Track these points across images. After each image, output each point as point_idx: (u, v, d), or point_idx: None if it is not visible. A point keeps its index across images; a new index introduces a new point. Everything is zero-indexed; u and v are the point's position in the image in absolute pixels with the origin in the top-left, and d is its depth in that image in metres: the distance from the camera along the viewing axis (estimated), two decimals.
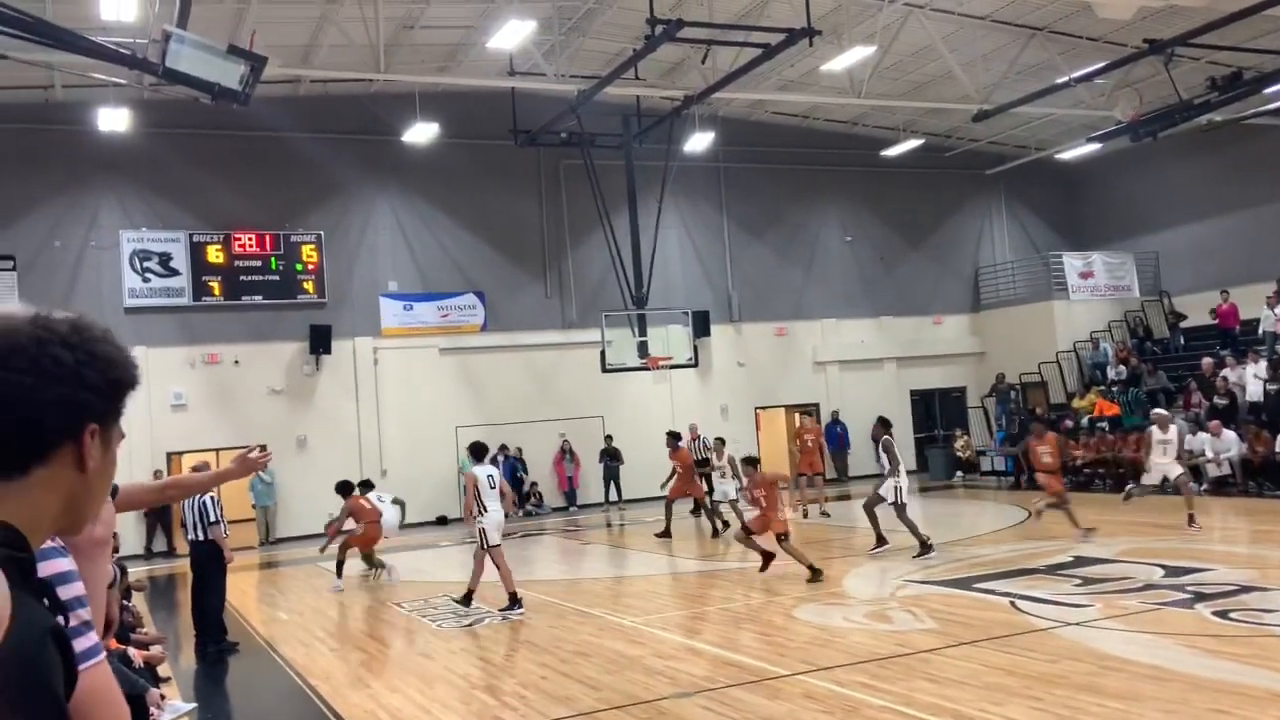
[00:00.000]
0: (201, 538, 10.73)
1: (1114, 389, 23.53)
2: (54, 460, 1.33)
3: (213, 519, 10.63)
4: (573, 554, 16.95)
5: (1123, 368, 24.05)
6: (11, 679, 1.13)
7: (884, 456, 13.75)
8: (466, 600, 11.72)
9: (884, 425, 14.29)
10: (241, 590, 15.08)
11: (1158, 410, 15.59)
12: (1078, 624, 8.84)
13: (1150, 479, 14.52)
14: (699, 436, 21.22)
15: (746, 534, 12.49)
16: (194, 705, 8.15)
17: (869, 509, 13.77)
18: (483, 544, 11.26)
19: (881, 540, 13.53)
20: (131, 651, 7.53)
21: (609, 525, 20.99)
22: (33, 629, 1.19)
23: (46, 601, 1.26)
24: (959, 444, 25.54)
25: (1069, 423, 22.80)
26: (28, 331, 1.33)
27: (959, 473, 24.92)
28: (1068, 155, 26.81)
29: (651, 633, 9.97)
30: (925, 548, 13.05)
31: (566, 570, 15.48)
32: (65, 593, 1.36)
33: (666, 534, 16.91)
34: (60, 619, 1.27)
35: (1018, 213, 29.96)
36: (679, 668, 8.42)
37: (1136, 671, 7.24)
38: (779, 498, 12.46)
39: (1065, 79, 20.27)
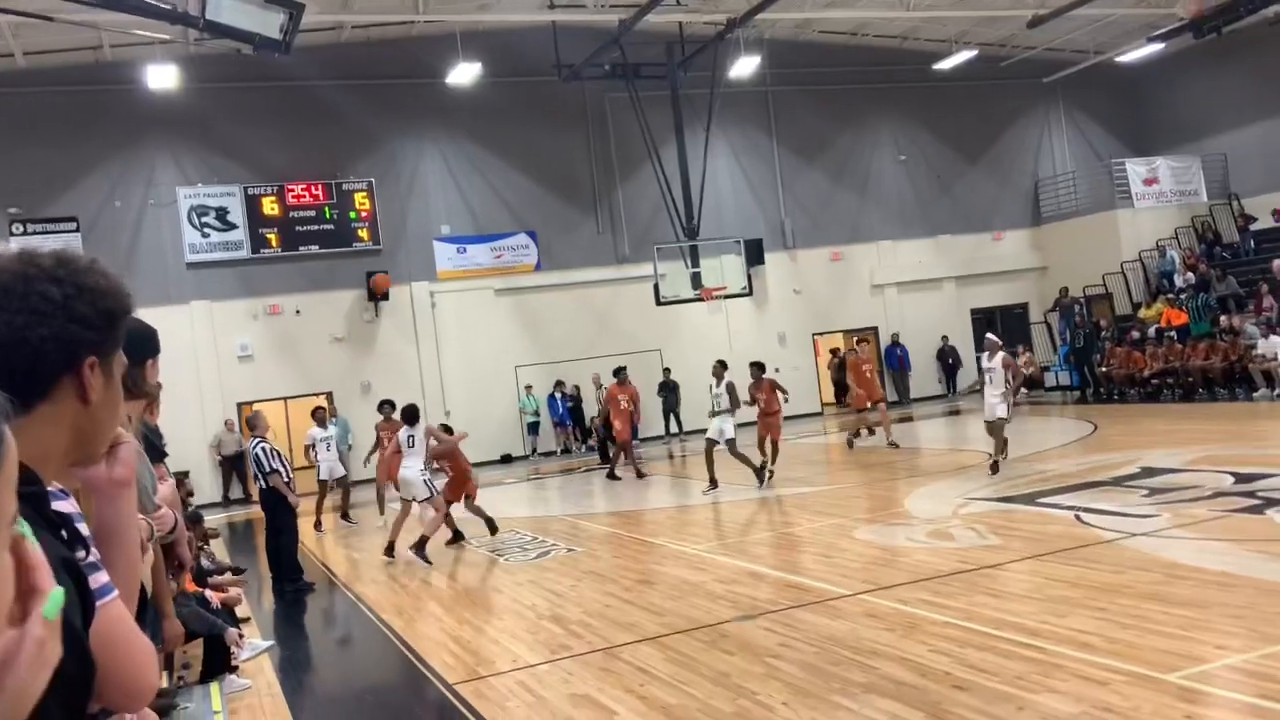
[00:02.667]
0: (264, 485, 11.07)
1: (1182, 297, 22.95)
2: (55, 395, 1.33)
3: (268, 468, 10.91)
4: (635, 486, 17.12)
5: (1191, 275, 23.42)
6: None
7: (725, 397, 14.57)
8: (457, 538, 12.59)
9: (723, 366, 15.05)
10: (314, 531, 15.49)
11: (989, 335, 14.00)
12: (1144, 534, 8.74)
13: (986, 414, 13.23)
14: (601, 385, 21.33)
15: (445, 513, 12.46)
16: (271, 643, 8.46)
17: (708, 453, 14.74)
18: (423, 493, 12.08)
19: (714, 483, 14.51)
20: (209, 594, 7.81)
21: (670, 457, 21.13)
22: None
23: (65, 535, 1.28)
24: (1022, 360, 25.14)
25: (1135, 334, 22.33)
26: (14, 270, 1.33)
27: (1023, 389, 24.56)
28: (1128, 58, 25.89)
29: (714, 559, 10.07)
30: (761, 473, 14.32)
31: (629, 502, 15.64)
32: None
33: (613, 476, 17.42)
34: (82, 553, 1.29)
35: (1078, 121, 29.08)
36: (741, 592, 8.51)
37: (1204, 579, 7.15)
38: (465, 461, 12.95)
39: None
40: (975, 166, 27.96)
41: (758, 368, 15.28)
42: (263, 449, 10.96)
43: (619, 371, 18.03)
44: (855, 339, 20.37)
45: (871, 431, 18.19)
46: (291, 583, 10.92)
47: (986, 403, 13.19)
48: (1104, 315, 24.46)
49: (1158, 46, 23.56)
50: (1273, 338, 18.77)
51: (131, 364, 1.49)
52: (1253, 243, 24.44)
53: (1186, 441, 14.17)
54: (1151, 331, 22.19)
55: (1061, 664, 5.65)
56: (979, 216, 27.75)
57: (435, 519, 11.92)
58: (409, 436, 12.21)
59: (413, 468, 12.09)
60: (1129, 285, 25.36)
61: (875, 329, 26.26)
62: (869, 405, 18.00)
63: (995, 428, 13.03)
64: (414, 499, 12.22)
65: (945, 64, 25.43)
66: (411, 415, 12.33)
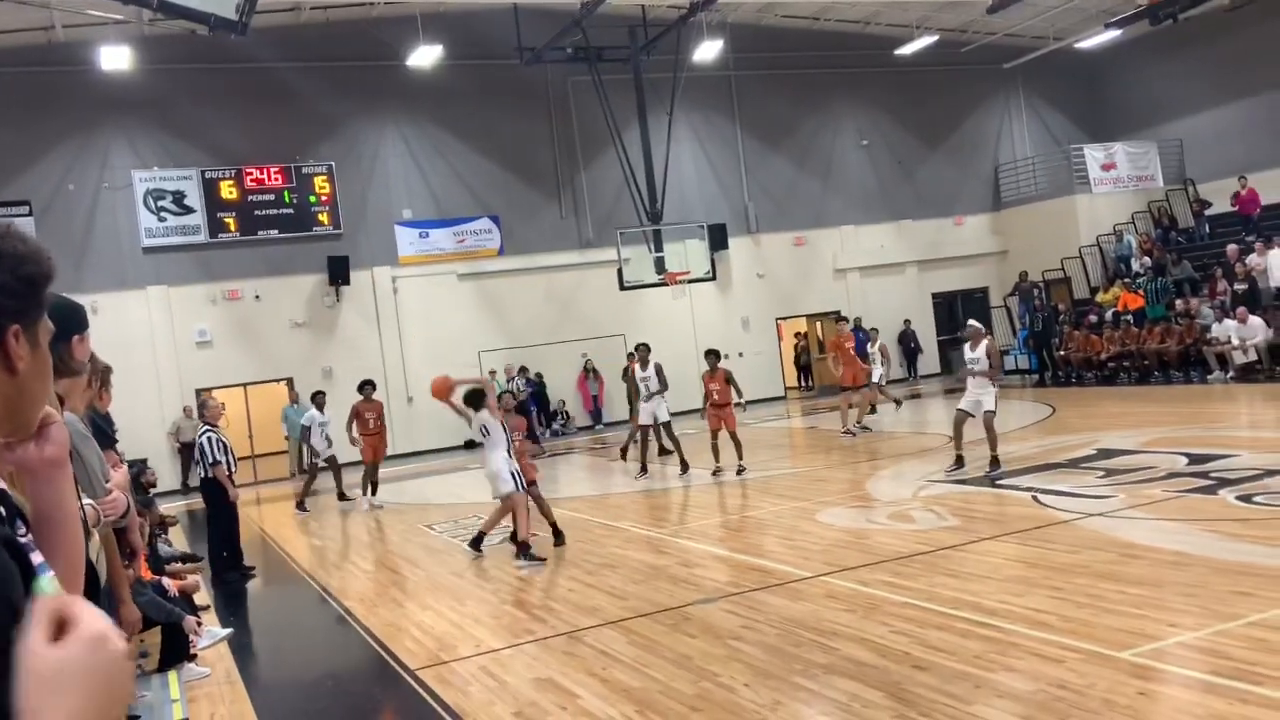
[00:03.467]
0: (207, 476, 10.96)
1: (1139, 281, 23.26)
2: None
3: (212, 459, 10.79)
4: (600, 471, 17.13)
5: (1147, 259, 23.73)
6: None
7: (654, 379, 14.96)
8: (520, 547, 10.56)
9: (647, 349, 15.53)
10: (277, 519, 15.41)
11: (971, 323, 12.44)
12: (1100, 515, 8.87)
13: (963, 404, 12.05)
14: (513, 377, 21.21)
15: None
16: (230, 630, 8.38)
17: (662, 433, 15.26)
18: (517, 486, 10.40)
19: (685, 465, 14.85)
20: (166, 581, 7.72)
21: (634, 441, 21.10)
22: None
23: (4, 511, 1.25)
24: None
25: (1093, 318, 22.61)
26: None
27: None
28: (1087, 44, 26.12)
29: (677, 543, 10.10)
30: (685, 466, 14.68)
31: (594, 487, 15.66)
32: None
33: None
34: (22, 528, 1.26)
35: (1037, 107, 29.34)
36: (704, 575, 8.55)
37: (1158, 558, 7.27)
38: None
39: None
40: (936, 152, 28.14)
41: (713, 355, 14.45)
42: (208, 438, 10.84)
43: (639, 349, 17.88)
44: (835, 319, 20.33)
45: (873, 409, 18.15)
46: (236, 569, 10.90)
47: (971, 397, 11.83)
48: (1062, 299, 24.74)
49: (1115, 33, 23.80)
50: (1227, 321, 19.07)
51: (56, 341, 1.44)
52: (1208, 227, 24.80)
53: (1142, 423, 14.39)
54: (1109, 315, 22.47)
55: (1018, 643, 5.72)
56: (940, 201, 27.95)
57: (523, 516, 10.20)
58: (480, 427, 10.46)
59: (496, 459, 10.33)
60: (1087, 269, 25.67)
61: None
62: (854, 385, 17.36)
63: (987, 424, 11.72)
64: (501, 496, 10.39)
65: (906, 49, 25.53)
66: (476, 399, 10.45)
